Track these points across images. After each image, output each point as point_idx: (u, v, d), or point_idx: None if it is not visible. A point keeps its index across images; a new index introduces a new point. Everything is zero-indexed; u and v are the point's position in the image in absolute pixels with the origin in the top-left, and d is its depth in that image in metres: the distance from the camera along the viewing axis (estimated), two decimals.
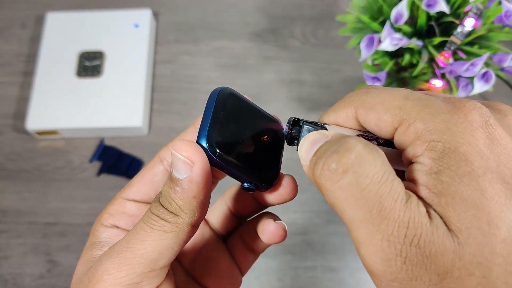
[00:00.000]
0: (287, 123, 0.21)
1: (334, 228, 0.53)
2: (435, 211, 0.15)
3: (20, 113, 0.59)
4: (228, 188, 0.26)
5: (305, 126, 0.20)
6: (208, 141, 0.19)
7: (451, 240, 0.14)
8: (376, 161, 0.16)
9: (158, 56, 0.64)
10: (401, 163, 0.18)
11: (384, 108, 0.18)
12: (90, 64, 0.60)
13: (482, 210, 0.14)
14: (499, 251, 0.14)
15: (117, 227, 0.23)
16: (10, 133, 0.59)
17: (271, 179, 0.21)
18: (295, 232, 0.52)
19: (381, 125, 0.18)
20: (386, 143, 0.20)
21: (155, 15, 0.67)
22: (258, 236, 0.24)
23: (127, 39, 0.62)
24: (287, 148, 0.22)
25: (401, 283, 0.15)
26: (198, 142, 0.19)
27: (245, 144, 0.20)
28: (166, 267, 0.20)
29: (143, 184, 0.24)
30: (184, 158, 0.18)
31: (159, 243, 0.18)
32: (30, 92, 0.59)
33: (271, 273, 0.51)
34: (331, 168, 0.16)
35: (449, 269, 0.14)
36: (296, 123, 0.21)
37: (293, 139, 0.21)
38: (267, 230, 0.23)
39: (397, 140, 0.18)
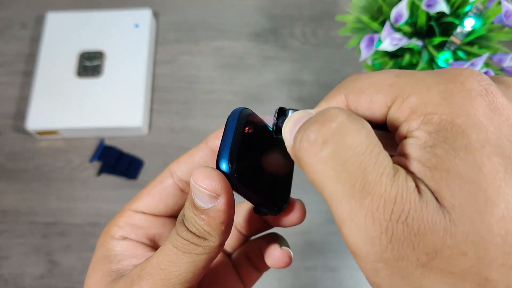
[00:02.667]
0: (274, 114, 0.20)
1: (334, 228, 0.53)
2: (427, 186, 0.14)
3: (20, 113, 0.59)
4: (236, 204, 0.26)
5: (290, 111, 0.19)
6: (230, 163, 0.19)
7: (441, 216, 0.13)
8: (360, 132, 0.14)
9: (158, 56, 0.64)
10: (393, 148, 0.17)
11: (376, 89, 0.16)
12: (90, 64, 0.60)
13: (478, 186, 0.13)
14: (497, 230, 0.13)
15: (128, 239, 0.23)
16: (10, 133, 0.59)
17: (282, 203, 0.22)
18: (295, 232, 0.52)
19: (373, 107, 0.16)
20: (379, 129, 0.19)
21: (155, 15, 0.67)
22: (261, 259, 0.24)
23: (127, 39, 0.62)
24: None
25: (386, 263, 0.13)
26: (218, 163, 0.19)
27: (262, 167, 0.20)
28: (197, 284, 0.20)
29: (152, 198, 0.23)
30: (208, 192, 0.18)
31: (192, 265, 0.19)
32: (30, 92, 0.59)
33: (271, 273, 0.51)
34: (310, 139, 0.15)
35: (439, 247, 0.13)
36: (282, 113, 0.20)
37: (280, 130, 0.20)
38: (272, 255, 0.23)
39: (390, 119, 0.16)
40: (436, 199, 0.14)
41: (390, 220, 0.13)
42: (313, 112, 0.17)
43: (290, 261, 0.23)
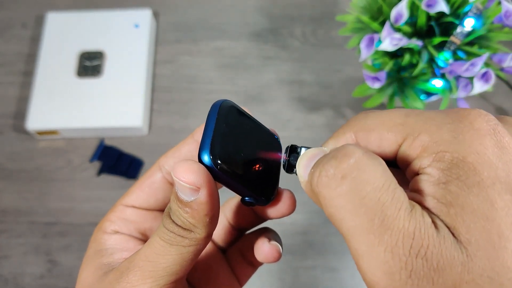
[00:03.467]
0: (285, 151, 0.21)
1: (334, 228, 0.53)
2: (442, 222, 0.14)
3: (20, 113, 0.59)
4: (226, 200, 0.26)
5: (303, 149, 0.20)
6: (211, 154, 0.19)
7: (459, 252, 0.14)
8: (377, 168, 0.15)
9: (158, 56, 0.64)
10: (403, 185, 0.17)
11: (386, 127, 0.17)
12: (90, 64, 0.60)
13: (492, 222, 0.14)
14: (511, 265, 0.13)
15: (119, 233, 0.23)
16: (10, 133, 0.59)
17: (270, 193, 0.21)
18: (295, 232, 0.52)
19: (384, 145, 0.17)
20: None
21: (155, 15, 0.67)
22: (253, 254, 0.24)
23: (127, 39, 0.62)
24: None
25: None
26: (200, 155, 0.19)
27: (246, 158, 0.20)
28: (185, 276, 0.20)
29: (141, 191, 0.24)
30: (189, 186, 0.18)
31: (179, 257, 0.19)
32: (30, 92, 0.59)
33: (271, 273, 0.51)
34: (329, 173, 0.15)
35: (458, 283, 0.13)
36: (293, 150, 0.20)
37: (292, 167, 0.20)
38: (261, 250, 0.23)
39: (401, 156, 0.17)
40: (453, 234, 0.14)
41: (409, 255, 0.14)
42: (327, 150, 0.18)
43: (279, 256, 0.23)
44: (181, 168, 0.18)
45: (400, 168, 0.18)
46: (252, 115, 0.22)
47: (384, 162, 0.15)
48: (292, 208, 0.22)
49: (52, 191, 0.55)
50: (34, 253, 0.52)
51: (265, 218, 0.24)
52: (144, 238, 0.24)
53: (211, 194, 0.18)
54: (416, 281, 0.13)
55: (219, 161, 0.19)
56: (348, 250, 0.51)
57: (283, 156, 0.21)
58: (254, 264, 0.26)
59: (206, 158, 0.19)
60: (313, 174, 0.16)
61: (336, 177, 0.15)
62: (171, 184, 0.24)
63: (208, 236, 0.19)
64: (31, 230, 0.53)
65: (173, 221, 0.19)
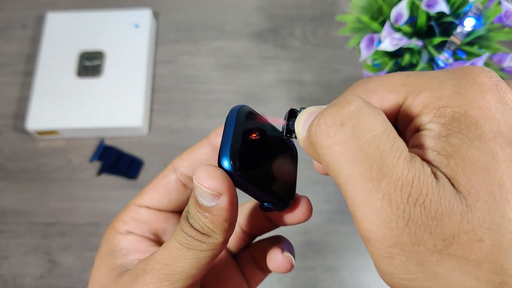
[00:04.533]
0: (284, 117, 0.20)
1: (334, 228, 0.53)
2: (442, 172, 0.14)
3: (20, 113, 0.59)
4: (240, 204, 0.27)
5: (302, 110, 0.19)
6: (231, 160, 0.19)
7: (458, 201, 0.13)
8: (377, 116, 0.15)
9: (158, 56, 0.64)
10: None
11: (388, 88, 0.17)
12: (90, 64, 0.60)
13: (493, 174, 0.13)
14: None
15: (132, 233, 0.23)
16: (10, 133, 0.59)
17: (289, 199, 0.21)
18: (295, 232, 0.52)
19: (385, 106, 0.17)
20: None
21: (155, 15, 0.67)
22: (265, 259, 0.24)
23: (127, 39, 0.62)
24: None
25: (402, 249, 0.13)
26: (220, 161, 0.19)
27: (265, 163, 0.20)
28: (200, 280, 0.20)
29: (156, 192, 0.24)
30: (210, 191, 0.18)
31: (196, 261, 0.19)
32: (30, 92, 0.59)
33: (271, 273, 0.51)
34: (327, 121, 0.15)
35: (456, 233, 0.13)
36: (293, 114, 0.20)
37: (291, 131, 0.20)
38: (274, 260, 0.23)
39: (402, 115, 0.16)
40: (453, 185, 0.14)
41: (407, 203, 0.13)
42: (326, 107, 0.17)
43: (291, 267, 0.23)
44: (203, 174, 0.18)
45: (401, 130, 0.17)
46: (272, 124, 0.22)
47: (383, 114, 0.15)
48: (309, 214, 0.22)
49: (52, 191, 0.55)
50: (34, 253, 0.52)
51: (280, 224, 0.24)
52: (156, 239, 0.24)
53: (232, 201, 0.18)
54: (413, 229, 0.13)
55: (239, 167, 0.19)
56: (348, 250, 0.51)
57: (282, 121, 0.20)
58: (265, 270, 0.26)
59: (226, 163, 0.19)
60: (311, 125, 0.16)
61: (335, 124, 0.15)
62: (185, 185, 0.24)
63: (225, 242, 0.19)
64: (31, 230, 0.53)
65: (191, 225, 0.19)
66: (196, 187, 0.18)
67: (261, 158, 0.20)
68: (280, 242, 0.24)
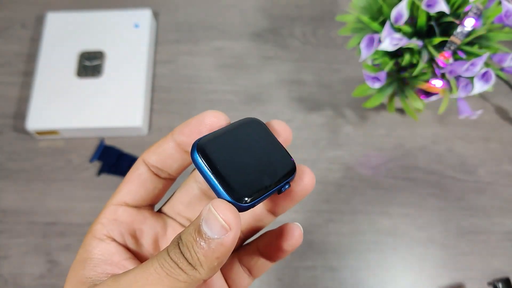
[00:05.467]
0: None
1: (334, 228, 0.53)
2: None
3: (20, 113, 0.59)
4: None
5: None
6: (235, 197, 0.19)
7: None
8: None
9: (158, 56, 0.64)
10: None
11: None
12: (90, 64, 0.60)
13: None
14: None
15: (111, 238, 0.23)
16: (10, 133, 0.59)
17: (290, 169, 0.21)
18: None
19: None
20: None
21: (155, 15, 0.67)
22: (256, 262, 0.25)
23: (127, 39, 0.62)
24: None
25: None
26: (231, 200, 0.19)
27: (257, 168, 0.20)
28: None
29: (131, 184, 0.23)
30: (223, 222, 0.18)
31: None
32: (30, 92, 0.59)
33: (270, 273, 0.51)
34: None
35: None
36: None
37: None
38: (291, 235, 0.23)
39: None
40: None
41: None
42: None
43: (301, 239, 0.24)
44: (223, 204, 0.18)
45: None
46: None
47: None
48: (312, 180, 0.23)
49: (52, 191, 0.55)
50: (34, 253, 0.52)
51: (290, 202, 0.24)
52: (134, 246, 0.23)
53: (234, 241, 0.18)
54: None
55: (244, 199, 0.19)
56: (348, 249, 0.51)
57: None
58: (253, 275, 0.26)
59: (231, 200, 0.19)
60: None
61: None
62: (157, 175, 0.24)
63: (205, 280, 0.19)
64: (31, 230, 0.53)
65: (181, 251, 0.18)
66: (207, 214, 0.18)
67: (259, 176, 0.20)
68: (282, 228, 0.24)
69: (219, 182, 0.19)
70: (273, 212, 0.25)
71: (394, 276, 0.50)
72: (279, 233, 0.24)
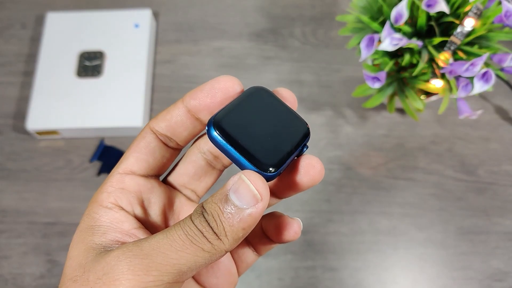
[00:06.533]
0: None
1: (334, 228, 0.53)
2: None
3: (20, 113, 0.59)
4: None
5: None
6: (262, 168, 0.19)
7: None
8: None
9: (158, 56, 0.64)
10: None
11: None
12: (90, 64, 0.60)
13: None
14: None
15: (119, 206, 0.22)
16: (10, 133, 0.59)
17: (305, 132, 0.22)
18: None
19: None
20: None
21: (155, 15, 0.67)
22: (260, 240, 0.24)
23: (127, 39, 0.62)
24: None
25: None
26: (261, 170, 0.19)
27: (280, 136, 0.21)
28: (183, 283, 0.19)
29: (139, 153, 0.22)
30: (255, 192, 0.17)
31: (193, 259, 0.18)
32: (30, 92, 0.59)
33: (271, 273, 0.51)
34: None
35: None
36: None
37: None
38: (291, 228, 0.23)
39: None
40: None
41: None
42: None
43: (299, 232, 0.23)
44: (255, 175, 0.18)
45: None
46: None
47: None
48: (320, 174, 0.22)
49: (52, 191, 0.55)
50: (34, 253, 0.52)
51: (298, 187, 0.23)
52: (142, 215, 0.22)
53: (262, 212, 0.18)
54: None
55: (271, 169, 0.19)
56: (347, 250, 0.51)
57: None
58: (273, 241, 0.25)
59: (270, 169, 0.19)
60: None
61: None
62: (165, 144, 0.23)
63: (227, 252, 0.18)
64: (31, 230, 0.53)
65: (206, 220, 0.18)
66: (237, 183, 0.18)
67: (282, 144, 0.20)
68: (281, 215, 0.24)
69: (244, 155, 0.19)
70: (277, 196, 0.24)
71: (394, 276, 0.50)
72: (280, 222, 0.23)
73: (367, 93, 0.50)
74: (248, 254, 0.25)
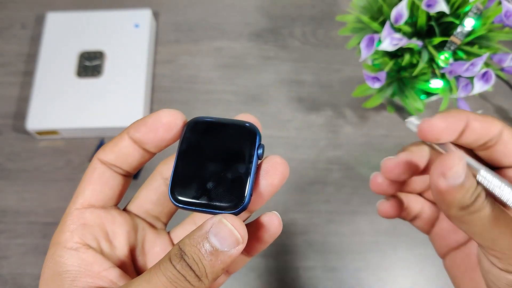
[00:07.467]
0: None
1: (334, 228, 0.53)
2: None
3: (20, 113, 0.59)
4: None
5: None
6: (232, 208, 0.20)
7: None
8: None
9: (158, 56, 0.64)
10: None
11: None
12: (90, 64, 0.60)
13: None
14: None
15: (85, 244, 0.21)
16: (10, 133, 0.59)
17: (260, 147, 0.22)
18: (295, 232, 0.52)
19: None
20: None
21: (155, 15, 0.67)
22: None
23: (127, 39, 0.62)
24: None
25: None
26: (239, 208, 0.20)
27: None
28: None
29: (94, 185, 0.22)
30: (238, 236, 0.18)
31: None
32: (30, 92, 0.59)
33: (271, 273, 0.51)
34: None
35: None
36: None
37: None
38: (272, 225, 0.23)
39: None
40: None
41: None
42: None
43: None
44: (234, 218, 0.18)
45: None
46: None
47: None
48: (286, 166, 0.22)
49: (52, 191, 0.55)
50: (34, 253, 0.52)
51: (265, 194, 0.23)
52: (108, 252, 0.22)
53: (240, 251, 0.18)
54: None
55: (239, 203, 0.20)
56: (348, 250, 0.51)
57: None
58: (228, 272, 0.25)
59: (239, 205, 0.20)
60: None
61: None
62: (118, 173, 0.23)
63: None
64: (31, 230, 0.53)
65: (188, 264, 0.18)
66: (219, 228, 0.18)
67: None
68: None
69: (210, 208, 0.20)
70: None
71: (394, 276, 0.50)
72: (257, 226, 0.23)
73: (367, 93, 0.50)
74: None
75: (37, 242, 0.52)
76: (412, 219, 0.28)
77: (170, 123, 0.22)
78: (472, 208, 0.19)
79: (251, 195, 0.20)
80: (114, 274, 0.21)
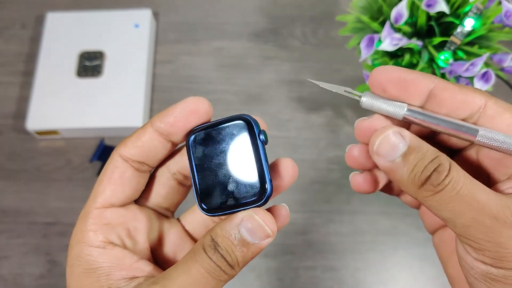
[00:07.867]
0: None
1: (334, 228, 0.53)
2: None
3: (20, 113, 0.59)
4: None
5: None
6: (258, 201, 0.20)
7: None
8: None
9: (158, 56, 0.64)
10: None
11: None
12: (90, 64, 0.60)
13: None
14: None
15: (111, 243, 0.21)
16: (10, 133, 0.59)
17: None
18: (295, 232, 0.52)
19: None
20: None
21: (155, 15, 0.67)
22: None
23: (127, 39, 0.62)
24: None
25: None
26: (264, 199, 0.20)
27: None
28: None
29: (115, 185, 0.22)
30: (269, 231, 0.19)
31: None
32: (30, 92, 0.59)
33: (271, 273, 0.51)
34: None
35: None
36: None
37: None
38: (282, 215, 0.23)
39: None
40: None
41: None
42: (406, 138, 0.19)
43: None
44: (265, 213, 0.20)
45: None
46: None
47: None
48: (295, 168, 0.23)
49: (52, 191, 0.55)
50: (34, 253, 0.52)
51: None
52: (132, 248, 0.22)
53: (269, 243, 0.20)
54: None
55: (263, 195, 0.20)
56: (348, 249, 0.51)
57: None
58: None
59: (264, 196, 0.20)
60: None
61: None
62: (138, 170, 0.22)
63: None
64: (31, 230, 0.53)
65: (222, 256, 0.19)
66: (251, 222, 0.19)
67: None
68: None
69: (238, 208, 0.21)
70: None
71: (394, 276, 0.50)
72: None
73: None
74: None
75: (37, 242, 0.52)
76: (399, 194, 0.27)
77: (199, 109, 0.21)
78: (431, 185, 0.17)
79: (271, 181, 0.20)
80: (144, 265, 0.21)
